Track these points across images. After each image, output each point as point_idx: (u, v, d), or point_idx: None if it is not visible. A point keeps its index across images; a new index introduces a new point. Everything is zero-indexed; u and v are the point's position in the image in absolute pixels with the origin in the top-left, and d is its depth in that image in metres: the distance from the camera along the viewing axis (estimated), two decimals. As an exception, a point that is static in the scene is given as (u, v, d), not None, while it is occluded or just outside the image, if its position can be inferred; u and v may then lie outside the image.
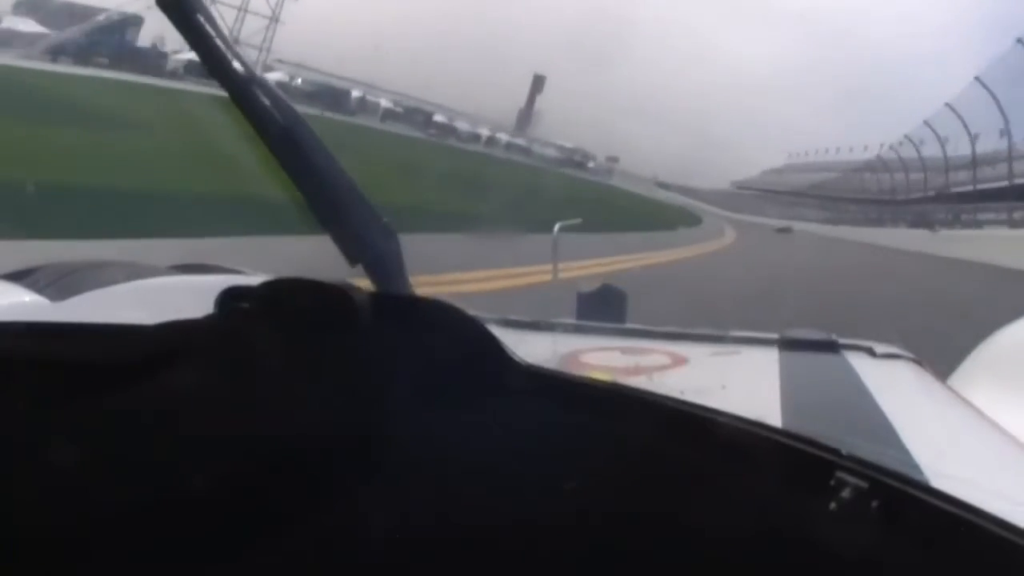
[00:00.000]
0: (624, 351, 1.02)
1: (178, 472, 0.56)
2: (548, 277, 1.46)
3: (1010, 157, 25.32)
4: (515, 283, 6.42)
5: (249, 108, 0.81)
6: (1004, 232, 23.25)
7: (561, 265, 1.38)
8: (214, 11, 0.80)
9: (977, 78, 24.99)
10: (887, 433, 0.67)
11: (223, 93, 0.82)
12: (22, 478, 0.55)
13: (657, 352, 1.01)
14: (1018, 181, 24.95)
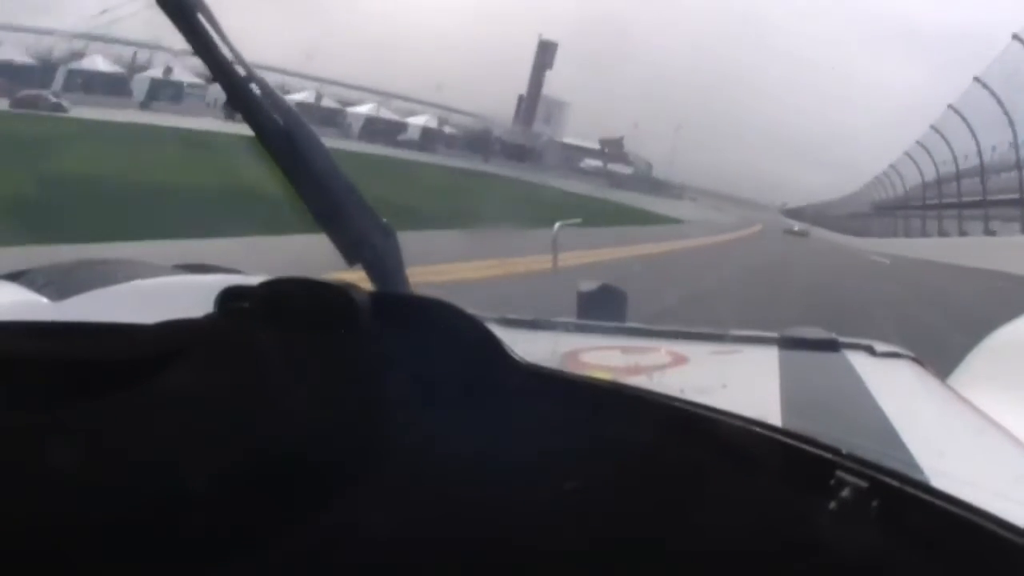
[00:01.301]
0: (624, 350, 1.02)
1: (178, 471, 0.56)
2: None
3: None
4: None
5: (248, 108, 0.81)
6: None
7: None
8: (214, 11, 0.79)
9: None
10: (887, 432, 0.67)
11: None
12: (22, 477, 0.55)
13: (657, 351, 1.01)
14: None
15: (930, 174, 32.30)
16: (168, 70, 33.72)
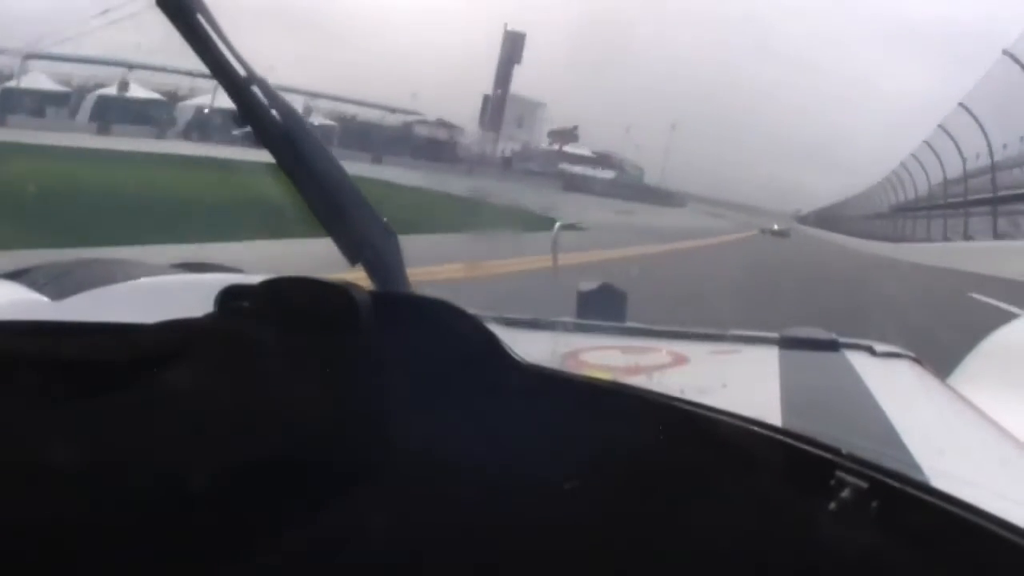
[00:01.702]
0: (624, 350, 1.03)
1: (178, 471, 0.56)
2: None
3: None
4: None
5: (249, 109, 0.81)
6: None
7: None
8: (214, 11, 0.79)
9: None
10: (887, 432, 0.67)
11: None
12: (21, 476, 0.55)
13: (657, 351, 1.01)
14: None
15: (982, 160, 23.08)
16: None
